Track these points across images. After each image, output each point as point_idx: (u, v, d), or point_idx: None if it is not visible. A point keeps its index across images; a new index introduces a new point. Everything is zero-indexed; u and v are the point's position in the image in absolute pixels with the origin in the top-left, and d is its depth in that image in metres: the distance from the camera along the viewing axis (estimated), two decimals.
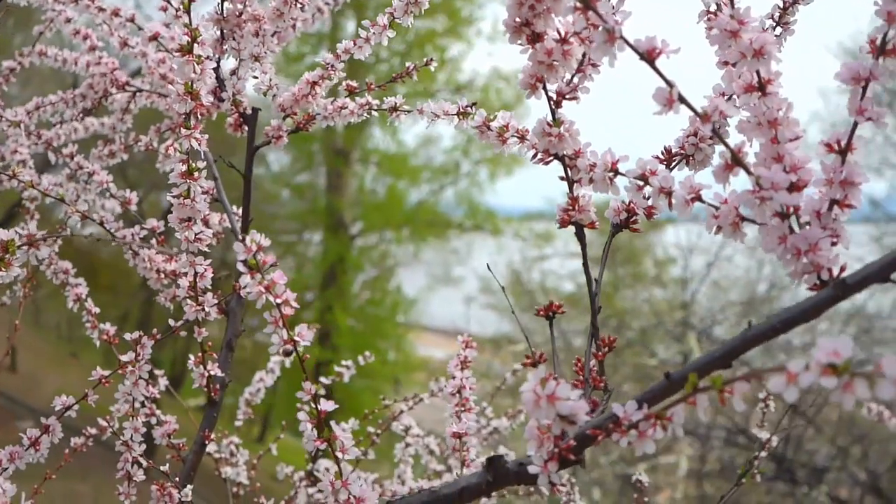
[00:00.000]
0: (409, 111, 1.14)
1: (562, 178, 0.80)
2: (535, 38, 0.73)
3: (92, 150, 1.51)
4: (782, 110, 0.67)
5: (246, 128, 1.19)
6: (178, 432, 1.12)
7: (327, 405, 0.76)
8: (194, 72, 0.88)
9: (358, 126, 9.87)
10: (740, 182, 0.69)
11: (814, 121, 7.59)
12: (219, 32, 1.13)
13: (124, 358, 1.02)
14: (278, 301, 0.73)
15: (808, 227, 0.64)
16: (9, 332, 1.44)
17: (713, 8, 0.77)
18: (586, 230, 0.85)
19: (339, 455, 0.76)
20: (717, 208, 0.69)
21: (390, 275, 11.05)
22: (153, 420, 1.11)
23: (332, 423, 0.78)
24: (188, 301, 1.02)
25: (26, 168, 1.39)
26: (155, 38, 1.10)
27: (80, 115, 1.47)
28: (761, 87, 0.67)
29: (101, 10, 1.28)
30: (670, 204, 0.72)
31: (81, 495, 5.75)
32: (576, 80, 0.77)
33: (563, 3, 0.70)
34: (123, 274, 8.18)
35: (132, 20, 1.29)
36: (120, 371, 1.05)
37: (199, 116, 0.92)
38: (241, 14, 1.11)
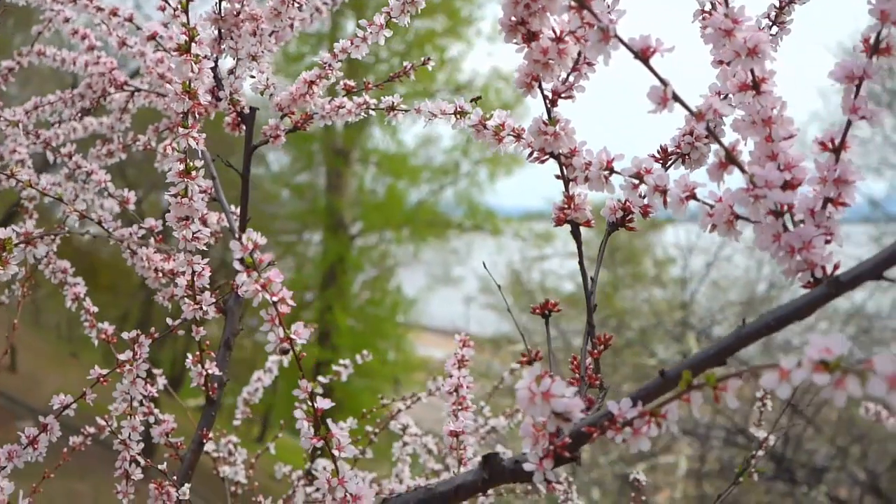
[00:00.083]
0: (406, 110, 1.14)
1: (558, 177, 0.80)
2: (531, 37, 0.73)
3: (90, 149, 1.51)
4: (776, 109, 0.67)
5: (244, 127, 1.19)
6: (177, 432, 1.12)
7: (324, 403, 0.77)
8: (192, 71, 0.89)
9: (358, 126, 9.88)
10: (735, 180, 0.69)
11: (813, 121, 7.58)
12: (216, 32, 1.13)
13: (122, 357, 1.03)
14: (274, 299, 0.73)
15: (802, 225, 0.65)
16: (7, 331, 1.44)
17: (708, 7, 0.77)
18: (582, 229, 0.85)
19: (336, 453, 0.76)
20: (711, 207, 0.69)
21: (390, 275, 11.05)
22: (151, 419, 1.11)
23: (330, 421, 0.78)
24: (186, 300, 1.03)
25: (25, 168, 1.39)
26: (153, 37, 1.10)
27: (79, 114, 1.47)
28: (755, 86, 0.68)
29: (100, 9, 1.28)
30: (665, 202, 0.72)
31: (81, 495, 5.75)
32: (571, 78, 0.78)
33: (558, 1, 0.70)
34: (123, 274, 8.18)
35: (130, 20, 1.29)
36: (118, 370, 1.05)
37: (197, 115, 0.92)
38: (238, 13, 1.11)
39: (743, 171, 0.65)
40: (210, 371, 1.10)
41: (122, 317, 9.07)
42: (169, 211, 0.97)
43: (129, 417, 1.06)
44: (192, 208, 0.93)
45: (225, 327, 1.19)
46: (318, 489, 0.77)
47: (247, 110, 1.18)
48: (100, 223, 1.23)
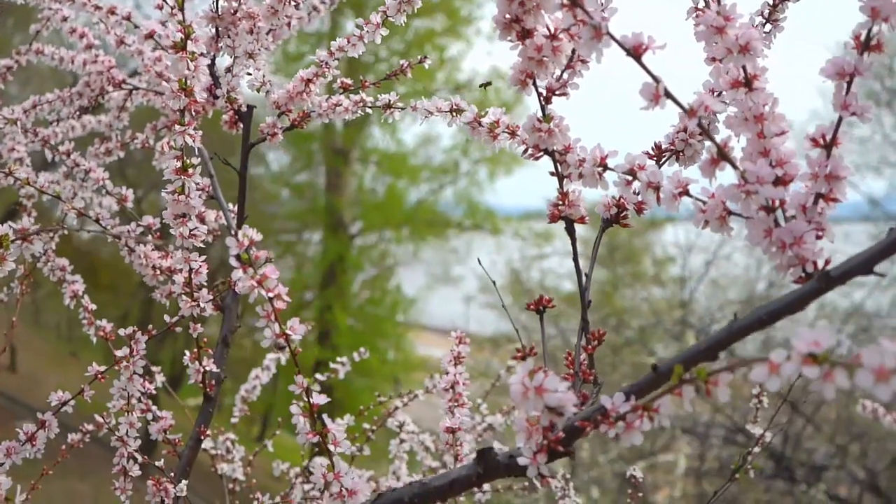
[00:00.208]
0: (402, 108, 1.14)
1: (552, 174, 0.81)
2: (525, 35, 0.74)
3: (89, 147, 1.52)
4: (768, 105, 0.68)
5: (241, 125, 1.20)
6: (177, 431, 1.13)
7: (319, 399, 0.77)
8: (188, 68, 0.89)
9: (357, 125, 9.92)
10: (728, 177, 0.70)
11: (813, 119, 7.59)
12: (214, 30, 1.14)
13: (119, 353, 1.03)
14: (270, 295, 0.73)
15: (793, 220, 0.65)
16: (7, 329, 1.45)
17: (701, 4, 0.77)
18: (577, 225, 0.85)
19: (332, 448, 0.77)
20: (704, 203, 0.69)
21: (390, 274, 11.06)
22: (149, 416, 1.12)
23: (326, 417, 0.78)
24: (183, 297, 1.03)
25: (23, 166, 1.40)
26: (151, 35, 1.11)
27: (77, 113, 1.48)
28: (748, 83, 0.68)
29: (98, 7, 1.28)
30: (658, 199, 0.72)
31: (80, 494, 5.76)
32: (566, 76, 0.78)
33: None
34: (123, 273, 8.18)
35: (128, 18, 1.29)
36: (115, 367, 1.06)
37: (194, 113, 0.92)
38: (235, 12, 1.12)
39: (734, 166, 0.66)
40: (208, 368, 1.10)
41: (122, 316, 9.07)
42: (167, 209, 0.97)
43: (126, 414, 1.06)
44: (188, 205, 0.94)
45: (223, 324, 1.19)
46: (315, 485, 0.78)
47: (244, 108, 1.18)
48: (98, 221, 1.23)
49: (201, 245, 0.99)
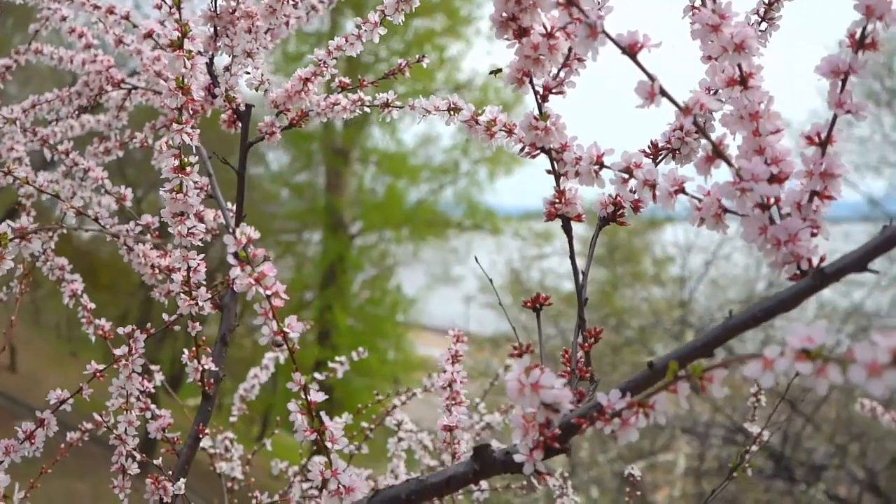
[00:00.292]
0: (400, 107, 1.15)
1: (548, 172, 0.81)
2: (522, 33, 0.74)
3: (87, 147, 1.52)
4: (763, 103, 0.68)
5: (240, 124, 1.20)
6: (176, 430, 1.13)
7: (317, 396, 0.77)
8: (185, 67, 0.89)
9: (357, 125, 9.92)
10: (724, 175, 0.70)
11: (812, 119, 7.58)
12: (212, 29, 1.14)
13: (118, 352, 1.03)
14: (268, 293, 0.74)
15: (788, 218, 0.65)
16: (5, 329, 1.45)
17: (697, 3, 0.77)
18: (576, 224, 0.86)
19: (329, 445, 0.77)
20: (700, 200, 0.70)
21: (390, 274, 11.06)
22: (148, 414, 1.12)
23: (324, 414, 0.79)
24: (182, 295, 1.03)
25: (22, 165, 1.40)
26: (149, 35, 1.11)
27: (76, 112, 1.48)
28: (743, 81, 0.68)
29: (96, 7, 1.29)
30: (654, 196, 0.73)
31: (80, 494, 5.76)
32: (562, 74, 0.78)
33: None
34: (123, 273, 8.18)
35: (127, 17, 1.30)
36: (114, 365, 1.06)
37: (191, 111, 0.92)
38: (234, 11, 1.12)
39: (730, 164, 0.66)
40: (206, 366, 1.11)
41: (122, 316, 9.07)
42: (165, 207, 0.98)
43: (125, 412, 1.07)
44: (186, 204, 0.94)
45: (221, 323, 1.20)
46: (313, 483, 0.78)
47: (242, 107, 1.19)
48: (96, 219, 1.23)
49: (199, 244, 0.99)
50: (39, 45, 1.48)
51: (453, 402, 1.03)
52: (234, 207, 1.24)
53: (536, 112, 0.79)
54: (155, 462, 1.10)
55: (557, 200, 0.81)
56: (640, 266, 9.57)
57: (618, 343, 7.73)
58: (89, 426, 1.19)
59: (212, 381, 1.14)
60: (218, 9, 1.12)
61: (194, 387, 1.15)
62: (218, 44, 1.13)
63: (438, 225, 10.90)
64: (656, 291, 9.00)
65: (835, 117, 0.65)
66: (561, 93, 0.79)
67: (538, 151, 0.80)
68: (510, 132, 0.86)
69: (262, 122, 1.22)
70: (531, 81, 0.78)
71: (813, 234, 0.65)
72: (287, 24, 1.17)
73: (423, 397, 1.79)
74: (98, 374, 1.05)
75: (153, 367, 1.41)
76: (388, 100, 1.16)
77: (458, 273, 11.23)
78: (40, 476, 1.18)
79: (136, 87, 1.49)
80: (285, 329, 0.75)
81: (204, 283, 1.04)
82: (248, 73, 1.15)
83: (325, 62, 1.16)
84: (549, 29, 0.74)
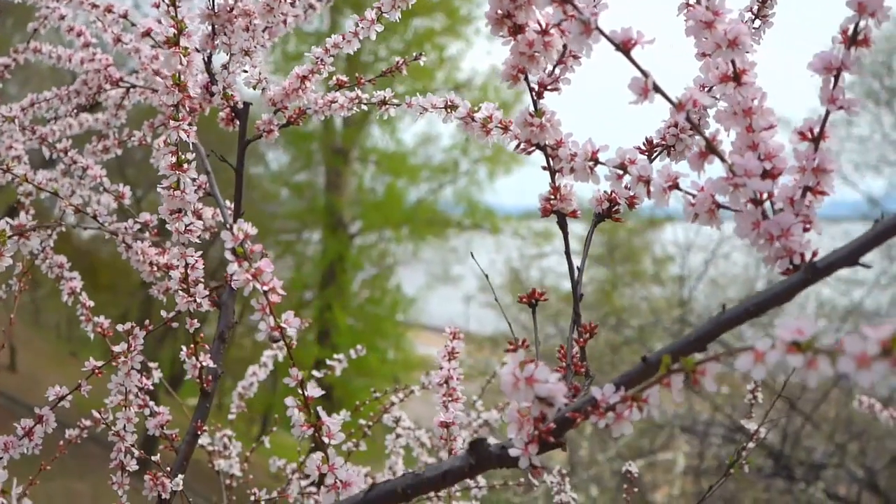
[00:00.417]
0: (398, 104, 1.15)
1: (544, 168, 0.82)
2: (517, 30, 0.74)
3: (86, 145, 1.52)
4: (757, 100, 0.68)
5: (238, 122, 1.21)
6: (176, 430, 1.13)
7: (314, 391, 0.78)
8: (181, 63, 0.90)
9: (357, 125, 9.93)
10: (719, 171, 0.70)
11: (812, 116, 7.58)
12: (210, 28, 1.14)
13: (117, 349, 1.04)
14: (265, 288, 0.74)
15: (781, 213, 0.66)
16: (5, 327, 1.45)
17: (692, 0, 0.78)
18: (574, 222, 0.86)
19: (326, 440, 0.77)
20: (693, 196, 0.70)
21: (389, 273, 11.06)
22: (146, 411, 1.12)
23: (320, 409, 0.79)
24: (180, 293, 1.04)
25: (21, 164, 1.40)
26: (147, 33, 1.11)
27: (75, 111, 1.49)
28: (736, 77, 0.69)
29: (95, 6, 1.29)
30: (649, 192, 0.73)
31: (80, 494, 5.77)
32: (557, 71, 0.79)
33: None
34: (123, 273, 8.19)
35: (125, 16, 1.30)
36: (113, 362, 1.06)
37: (188, 108, 0.93)
38: (231, 9, 1.13)
39: (722, 159, 0.67)
40: (204, 364, 1.11)
41: (122, 316, 9.07)
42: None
43: (123, 409, 1.07)
44: (184, 200, 0.94)
45: (219, 320, 1.20)
46: (311, 479, 0.79)
47: (240, 105, 1.19)
48: (95, 217, 1.24)
49: (197, 241, 1.00)
50: (38, 44, 1.48)
51: (450, 399, 1.03)
52: (233, 205, 1.25)
53: (531, 109, 0.79)
54: (153, 458, 1.10)
55: (553, 197, 0.81)
56: (639, 265, 9.57)
57: (617, 342, 7.74)
58: (88, 423, 1.19)
59: (210, 378, 1.14)
60: (216, 7, 1.12)
61: (194, 386, 1.16)
62: (216, 42, 1.13)
63: (438, 224, 10.91)
64: (656, 290, 9.00)
65: (827, 113, 0.66)
66: (556, 90, 0.79)
67: (533, 148, 0.81)
68: (506, 129, 0.87)
69: (260, 119, 1.23)
70: (526, 78, 0.78)
71: (805, 230, 0.65)
72: (285, 22, 1.18)
73: (422, 396, 1.79)
74: (97, 370, 1.06)
75: (152, 365, 1.41)
76: (385, 97, 1.17)
77: (457, 272, 11.24)
78: (39, 473, 1.18)
79: (134, 86, 1.49)
80: (282, 324, 0.76)
81: (202, 280, 1.05)
82: (245, 71, 1.16)
83: (322, 60, 1.16)
84: (543, 26, 0.74)
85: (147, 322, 1.09)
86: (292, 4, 1.16)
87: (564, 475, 1.47)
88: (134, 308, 9.47)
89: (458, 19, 10.14)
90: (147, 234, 1.25)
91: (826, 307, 7.53)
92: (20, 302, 1.40)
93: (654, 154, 0.84)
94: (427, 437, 1.73)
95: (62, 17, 1.43)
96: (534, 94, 0.79)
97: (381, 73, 1.22)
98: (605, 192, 0.84)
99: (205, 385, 1.13)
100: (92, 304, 1.24)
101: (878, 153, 7.92)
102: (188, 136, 0.92)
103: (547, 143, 0.80)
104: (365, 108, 1.19)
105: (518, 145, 0.82)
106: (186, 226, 0.96)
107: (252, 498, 1.42)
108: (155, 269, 1.22)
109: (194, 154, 0.95)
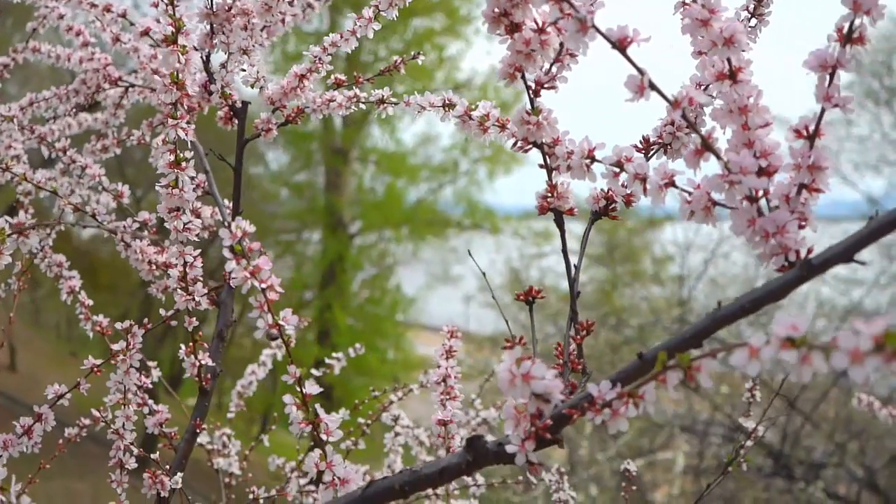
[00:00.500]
0: (395, 103, 1.16)
1: (541, 166, 0.82)
2: (514, 29, 0.75)
3: (85, 144, 1.53)
4: (752, 97, 0.69)
5: (236, 121, 1.21)
6: (175, 429, 1.14)
7: (312, 388, 0.78)
8: (179, 61, 0.90)
9: (356, 125, 9.94)
10: (715, 169, 0.71)
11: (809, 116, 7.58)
12: (209, 27, 1.15)
13: (115, 347, 1.04)
14: (263, 286, 0.74)
15: (776, 210, 0.66)
16: (4, 326, 1.46)
17: None
18: (568, 218, 0.86)
19: (324, 437, 0.78)
20: (689, 193, 0.70)
21: (389, 273, 11.07)
22: (145, 409, 1.12)
23: (318, 406, 0.79)
24: (179, 291, 1.04)
25: (20, 163, 1.40)
26: (146, 33, 1.12)
27: (73, 110, 1.49)
28: (732, 75, 0.69)
29: (93, 5, 1.29)
30: (645, 190, 0.73)
31: (80, 494, 5.77)
32: (554, 69, 0.79)
33: None
34: (122, 273, 8.20)
35: (124, 15, 1.30)
36: (112, 361, 1.06)
37: (186, 107, 0.93)
38: (230, 8, 1.13)
39: (718, 157, 0.67)
40: (203, 362, 1.11)
41: (122, 316, 9.05)
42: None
43: (122, 407, 1.07)
44: (182, 199, 0.95)
45: (218, 319, 1.20)
46: (309, 476, 0.79)
47: (239, 104, 1.20)
48: (94, 216, 1.24)
49: (196, 239, 1.00)
50: (37, 44, 1.48)
51: (448, 397, 1.04)
52: (231, 204, 1.25)
53: (528, 107, 0.79)
54: (152, 456, 1.10)
55: (549, 194, 0.81)
56: (639, 265, 9.58)
57: (617, 342, 7.74)
58: (87, 422, 1.20)
59: (209, 376, 1.14)
60: (214, 6, 1.13)
61: (194, 387, 1.16)
62: (214, 41, 1.13)
63: (438, 224, 10.92)
64: (656, 290, 9.01)
65: (822, 110, 0.66)
66: (553, 88, 0.80)
67: (530, 146, 0.81)
68: (503, 127, 0.87)
69: (258, 118, 1.23)
70: (523, 77, 0.78)
71: (801, 227, 0.66)
72: (283, 21, 1.18)
73: (422, 396, 1.79)
74: (95, 369, 1.06)
75: (151, 364, 1.42)
76: (383, 96, 1.17)
77: (457, 272, 11.24)
78: (39, 471, 1.19)
79: (133, 85, 1.50)
80: (280, 322, 0.76)
81: (201, 278, 1.05)
82: (243, 69, 1.16)
83: (320, 59, 1.16)
84: (540, 24, 0.74)
85: (146, 320, 1.09)
86: (290, 3, 1.16)
87: (563, 473, 1.47)
88: (134, 308, 9.47)
89: (457, 19, 10.15)
90: (146, 233, 1.25)
91: (826, 307, 7.54)
92: (20, 302, 1.40)
93: (651, 152, 0.84)
94: (426, 436, 1.73)
95: (61, 17, 1.43)
96: (531, 92, 0.79)
97: (380, 72, 1.23)
98: (601, 190, 0.84)
99: (203, 383, 1.14)
100: (91, 302, 1.24)
101: (877, 153, 7.93)
102: (186, 135, 0.92)
103: (544, 141, 0.80)
104: (363, 106, 1.20)
105: (515, 143, 0.82)
106: (185, 224, 0.97)
107: (251, 496, 1.42)
108: (153, 267, 1.22)
109: (192, 152, 0.95)
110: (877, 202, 7.91)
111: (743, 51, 0.70)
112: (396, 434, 1.64)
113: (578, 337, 0.81)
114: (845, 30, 0.65)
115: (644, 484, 6.64)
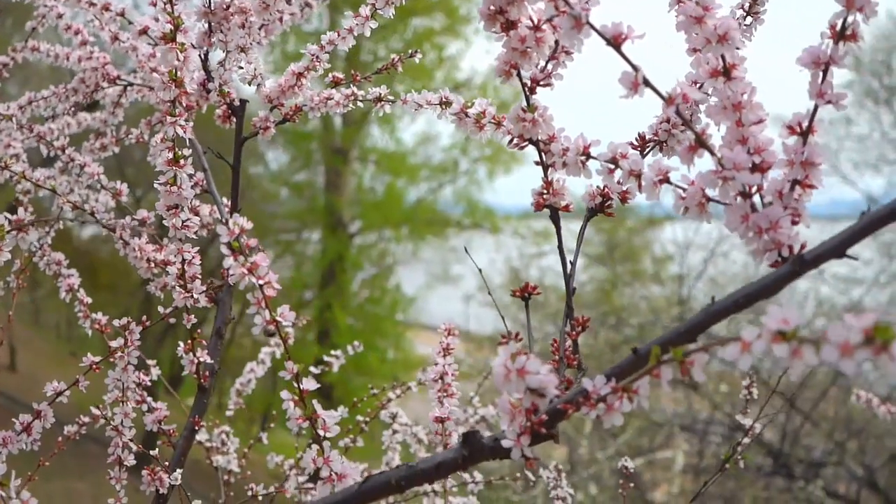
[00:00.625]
0: (392, 101, 1.16)
1: (537, 163, 0.82)
2: (509, 26, 0.75)
3: (84, 143, 1.53)
4: (746, 94, 0.69)
5: (234, 119, 1.21)
6: (174, 426, 1.14)
7: (310, 384, 0.78)
8: (177, 59, 0.90)
9: (356, 124, 9.94)
10: (710, 166, 0.71)
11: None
12: (207, 25, 1.15)
13: (113, 344, 1.04)
14: (261, 282, 0.75)
15: (770, 206, 0.66)
16: (3, 324, 1.46)
17: None
18: (565, 216, 0.87)
19: (321, 433, 0.78)
20: (684, 190, 0.71)
21: (389, 273, 11.08)
22: (144, 407, 1.13)
23: (315, 402, 0.80)
24: (177, 288, 1.04)
25: (19, 162, 1.41)
26: (145, 31, 1.12)
27: (72, 109, 1.49)
28: (726, 72, 0.69)
29: (92, 4, 1.30)
30: (640, 186, 0.74)
31: (80, 494, 5.78)
32: (549, 66, 0.80)
33: None
34: (122, 273, 8.21)
35: (122, 14, 1.31)
36: (110, 358, 1.07)
37: (184, 104, 0.93)
38: (228, 7, 1.13)
39: (711, 153, 0.67)
40: (202, 359, 1.12)
41: (122, 315, 9.07)
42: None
43: (121, 404, 1.08)
44: (181, 196, 0.95)
45: (216, 316, 1.21)
46: (307, 473, 0.79)
47: (237, 102, 1.20)
48: (92, 214, 1.25)
49: (194, 237, 1.01)
50: (36, 43, 1.49)
51: (445, 395, 1.04)
52: (229, 202, 1.25)
53: (524, 104, 0.80)
54: (151, 454, 1.11)
55: (545, 191, 0.82)
56: (639, 264, 9.59)
57: (617, 341, 7.75)
58: (87, 420, 1.20)
59: (207, 373, 1.15)
60: (212, 5, 1.13)
61: (194, 386, 1.16)
62: (212, 39, 1.14)
63: (438, 224, 10.93)
64: (655, 290, 9.02)
65: (815, 107, 0.67)
66: (548, 85, 0.80)
67: (526, 143, 0.81)
68: (499, 124, 0.88)
69: (256, 116, 1.23)
70: (519, 74, 0.79)
71: (794, 223, 0.66)
72: (281, 19, 1.18)
73: (421, 396, 1.80)
74: (94, 366, 1.06)
75: (150, 362, 1.42)
76: (380, 94, 1.18)
77: (457, 272, 11.25)
78: (38, 469, 1.19)
79: (131, 84, 1.50)
80: (278, 318, 0.76)
81: (198, 275, 1.05)
82: (241, 67, 1.16)
83: (317, 56, 1.17)
84: (535, 22, 0.75)
85: (144, 317, 1.10)
86: (288, 2, 1.17)
87: (560, 471, 1.47)
88: (134, 308, 9.47)
89: (457, 19, 10.16)
90: (144, 231, 1.26)
91: (825, 305, 7.54)
92: (20, 302, 1.41)
93: (647, 149, 0.85)
94: (424, 434, 1.73)
95: (60, 16, 1.43)
96: (526, 89, 0.79)
97: (377, 71, 1.23)
98: (597, 187, 0.84)
99: (202, 380, 1.14)
100: (90, 300, 1.24)
101: (877, 152, 7.92)
102: (185, 132, 0.93)
103: (539, 138, 0.80)
104: (361, 104, 1.20)
105: (511, 140, 0.82)
106: (183, 221, 0.97)
107: (249, 494, 1.43)
108: (152, 265, 1.22)
109: (191, 150, 0.96)
110: (876, 201, 7.90)
111: (737, 48, 0.70)
112: (395, 432, 1.64)
113: (574, 333, 0.81)
114: (838, 27, 0.66)
115: (644, 483, 6.65)
